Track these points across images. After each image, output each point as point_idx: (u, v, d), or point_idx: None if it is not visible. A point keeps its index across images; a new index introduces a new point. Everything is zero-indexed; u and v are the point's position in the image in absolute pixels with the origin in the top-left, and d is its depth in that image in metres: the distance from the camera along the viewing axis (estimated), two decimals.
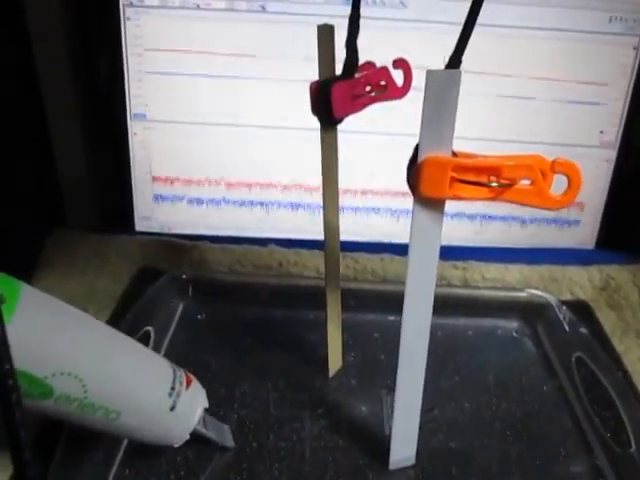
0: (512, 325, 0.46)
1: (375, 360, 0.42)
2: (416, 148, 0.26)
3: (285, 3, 0.48)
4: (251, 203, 0.53)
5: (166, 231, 0.54)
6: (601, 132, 0.51)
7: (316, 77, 0.32)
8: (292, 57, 0.48)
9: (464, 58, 0.25)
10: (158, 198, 0.53)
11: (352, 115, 0.33)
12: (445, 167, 0.25)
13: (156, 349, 0.40)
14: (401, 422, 0.32)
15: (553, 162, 0.25)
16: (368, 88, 0.33)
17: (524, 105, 0.50)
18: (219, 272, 0.49)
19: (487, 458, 0.35)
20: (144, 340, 0.40)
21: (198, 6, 0.48)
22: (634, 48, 0.48)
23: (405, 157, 0.27)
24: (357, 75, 0.32)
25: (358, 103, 0.33)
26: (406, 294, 0.29)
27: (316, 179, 0.35)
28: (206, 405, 0.34)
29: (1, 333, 0.15)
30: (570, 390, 0.40)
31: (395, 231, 0.53)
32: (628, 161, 0.52)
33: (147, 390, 0.31)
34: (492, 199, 0.26)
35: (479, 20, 0.24)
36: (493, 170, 0.25)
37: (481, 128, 0.50)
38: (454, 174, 0.25)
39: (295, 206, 0.53)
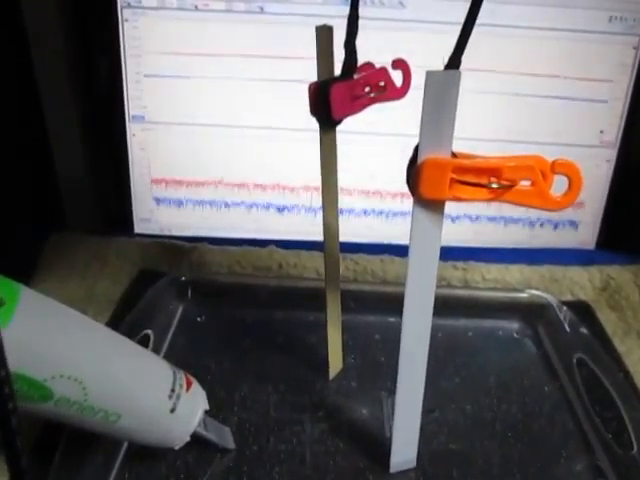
0: (513, 326, 0.46)
1: (375, 362, 0.42)
2: (416, 149, 0.26)
3: (283, 4, 0.47)
4: (250, 204, 0.53)
5: (165, 233, 0.54)
6: (601, 132, 0.51)
7: (315, 78, 0.32)
8: (291, 58, 0.48)
9: (463, 58, 0.25)
10: (157, 200, 0.53)
11: (351, 116, 0.33)
12: (445, 168, 0.25)
13: (156, 351, 0.40)
14: (402, 424, 0.32)
15: (553, 163, 0.25)
16: (367, 89, 0.33)
17: (524, 105, 0.50)
18: (219, 274, 0.49)
19: (488, 460, 0.35)
20: (144, 342, 0.40)
21: (196, 7, 0.48)
22: (634, 48, 0.48)
23: (405, 158, 0.27)
24: (356, 76, 0.32)
25: (357, 104, 0.32)
26: (406, 296, 0.29)
27: (315, 180, 0.35)
28: (206, 407, 0.33)
29: None
30: (571, 391, 0.40)
31: (395, 232, 0.53)
32: (628, 161, 0.52)
33: (147, 392, 0.31)
34: (492, 200, 0.26)
35: (478, 20, 0.24)
36: (493, 171, 0.25)
37: (480, 128, 0.50)
38: (454, 175, 0.25)
39: (294, 207, 0.53)
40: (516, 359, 0.43)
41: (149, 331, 0.41)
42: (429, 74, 0.24)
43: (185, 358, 0.41)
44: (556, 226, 0.54)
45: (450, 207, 0.27)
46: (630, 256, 0.51)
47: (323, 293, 0.38)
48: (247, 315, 0.45)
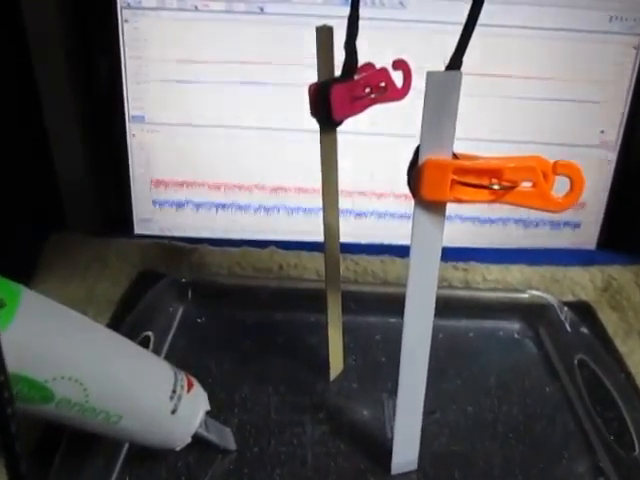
0: (513, 326, 0.46)
1: (376, 363, 0.42)
2: (416, 150, 0.26)
3: (284, 4, 0.47)
4: (250, 205, 0.53)
5: (165, 234, 0.54)
6: (602, 132, 0.51)
7: (315, 79, 0.32)
8: (291, 58, 0.48)
9: (464, 59, 0.24)
10: (157, 201, 0.53)
11: (352, 117, 0.33)
12: (446, 170, 0.25)
13: (156, 352, 0.40)
14: (403, 426, 0.32)
15: (555, 164, 0.24)
16: (368, 90, 0.33)
17: (524, 105, 0.50)
18: (219, 275, 0.48)
19: (489, 461, 0.35)
20: (144, 344, 0.40)
21: (196, 7, 0.48)
22: (634, 48, 0.48)
23: (405, 158, 0.27)
24: (356, 77, 0.32)
25: (358, 105, 0.32)
26: (408, 298, 0.29)
27: (316, 181, 0.35)
28: (208, 408, 0.33)
29: None
30: (573, 392, 0.40)
31: (395, 233, 0.53)
32: (629, 161, 0.51)
33: (148, 393, 0.31)
34: (493, 201, 0.25)
35: (479, 20, 0.24)
36: (494, 172, 0.25)
37: (480, 129, 0.50)
38: (455, 177, 0.25)
39: (295, 208, 0.53)
40: (517, 360, 0.43)
41: (149, 333, 0.41)
42: (430, 75, 0.24)
43: (185, 360, 0.40)
44: (557, 226, 0.53)
45: (450, 207, 0.27)
46: (631, 256, 0.51)
47: (324, 294, 0.38)
48: (248, 316, 0.45)
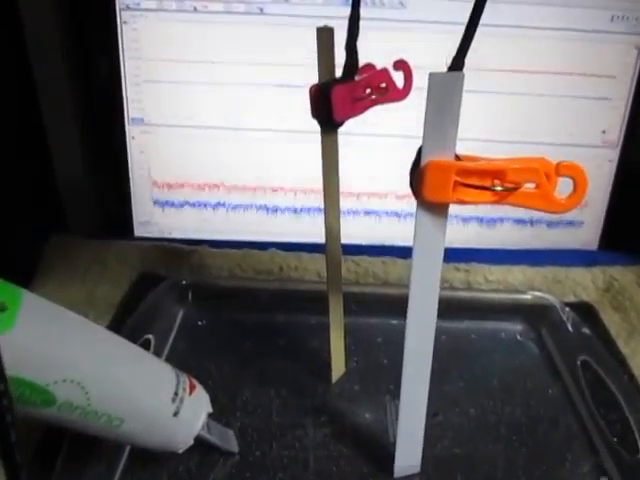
0: (516, 328, 0.46)
1: (378, 365, 0.42)
2: (419, 152, 0.26)
3: (283, 5, 0.47)
4: (250, 207, 0.53)
5: (165, 236, 0.53)
6: (604, 132, 0.50)
7: (316, 80, 0.32)
8: (291, 59, 0.48)
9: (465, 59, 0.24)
10: (157, 202, 0.53)
11: (353, 118, 0.32)
12: (448, 171, 0.25)
13: (157, 355, 0.40)
14: (406, 429, 0.32)
15: (558, 165, 0.24)
16: (368, 90, 0.32)
17: (526, 105, 0.50)
18: (219, 277, 0.48)
19: (493, 463, 0.35)
20: (145, 347, 0.39)
21: (195, 9, 0.47)
22: (636, 47, 0.48)
23: (406, 159, 0.27)
24: (357, 77, 0.32)
25: (359, 106, 0.32)
26: (410, 299, 0.28)
27: (317, 182, 0.35)
28: (210, 410, 0.33)
29: None
30: (575, 393, 0.40)
31: (396, 234, 0.53)
32: (631, 161, 0.51)
33: (150, 396, 0.31)
34: (496, 203, 0.25)
35: (480, 20, 0.24)
36: (497, 174, 0.25)
37: (482, 129, 0.50)
38: (457, 178, 0.25)
39: (295, 210, 0.53)
40: (519, 361, 0.43)
41: (150, 336, 0.41)
42: (432, 76, 0.24)
43: (186, 362, 0.40)
44: (558, 227, 0.53)
45: (452, 208, 0.26)
46: (633, 257, 0.51)
47: (325, 296, 0.38)
48: (248, 319, 0.45)
